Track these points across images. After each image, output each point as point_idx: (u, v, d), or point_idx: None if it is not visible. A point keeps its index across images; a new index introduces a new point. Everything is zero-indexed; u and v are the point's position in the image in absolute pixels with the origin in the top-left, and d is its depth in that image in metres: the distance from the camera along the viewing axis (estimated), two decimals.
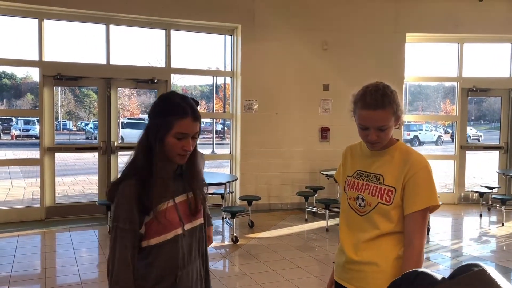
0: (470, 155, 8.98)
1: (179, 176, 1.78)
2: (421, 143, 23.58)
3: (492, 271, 0.79)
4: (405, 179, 1.82)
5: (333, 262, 2.13)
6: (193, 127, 1.67)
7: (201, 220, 1.83)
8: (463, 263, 0.85)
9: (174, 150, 1.66)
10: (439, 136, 25.20)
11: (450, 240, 6.36)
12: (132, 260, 1.61)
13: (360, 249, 1.89)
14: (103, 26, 7.07)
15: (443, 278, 0.83)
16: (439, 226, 6.91)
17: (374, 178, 1.90)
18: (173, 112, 1.65)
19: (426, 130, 24.79)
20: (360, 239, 1.90)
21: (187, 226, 1.74)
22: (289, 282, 4.45)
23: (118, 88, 7.44)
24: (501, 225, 6.96)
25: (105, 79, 7.13)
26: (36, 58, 6.78)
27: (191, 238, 1.76)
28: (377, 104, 1.78)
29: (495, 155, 9.01)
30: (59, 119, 23.56)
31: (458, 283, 0.77)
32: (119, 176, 1.70)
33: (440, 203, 1.87)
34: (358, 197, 1.92)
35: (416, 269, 0.87)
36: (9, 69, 25.02)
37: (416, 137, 23.72)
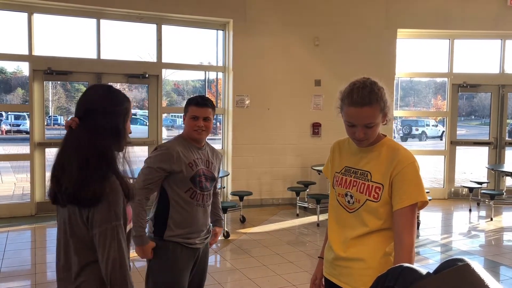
0: (460, 150, 9.05)
1: None
2: (428, 138, 24.22)
3: (476, 265, 0.80)
4: (392, 175, 1.81)
5: (319, 257, 2.14)
6: None
7: None
8: (448, 258, 0.86)
9: (128, 135, 1.74)
10: (443, 132, 25.81)
11: (440, 235, 6.42)
12: None
13: (348, 246, 1.89)
14: (94, 21, 7.02)
15: (428, 273, 0.84)
16: (429, 221, 6.97)
17: (362, 174, 1.89)
18: (126, 98, 1.76)
19: (432, 126, 25.43)
20: (348, 236, 1.89)
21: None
22: (280, 277, 4.47)
23: (109, 83, 7.38)
24: (489, 219, 7.03)
25: (95, 73, 7.08)
26: (26, 52, 6.71)
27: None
28: (364, 101, 1.76)
29: (484, 150, 9.09)
30: (50, 114, 23.36)
31: (442, 278, 0.78)
32: (85, 171, 1.57)
33: (429, 198, 1.86)
34: (347, 194, 1.91)
35: (401, 264, 0.88)
36: None
37: (423, 132, 24.39)
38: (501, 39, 8.67)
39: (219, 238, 5.76)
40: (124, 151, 1.70)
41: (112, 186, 1.58)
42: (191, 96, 2.76)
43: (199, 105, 2.57)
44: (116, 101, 1.72)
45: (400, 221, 1.79)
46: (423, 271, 0.84)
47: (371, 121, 1.78)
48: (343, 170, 1.96)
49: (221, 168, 2.84)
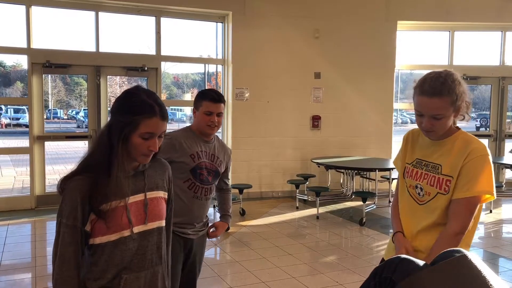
0: None
1: (141, 173, 1.68)
2: None
3: (473, 256, 0.80)
4: (462, 166, 1.79)
5: (397, 232, 2.01)
6: (161, 127, 1.59)
7: (160, 223, 1.71)
8: (446, 250, 0.86)
9: (139, 150, 1.58)
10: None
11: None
12: (75, 257, 1.54)
13: (417, 237, 1.90)
14: (92, 13, 6.98)
15: (425, 264, 0.84)
16: None
17: (433, 167, 1.88)
18: (140, 111, 1.55)
19: None
20: (417, 228, 1.91)
21: (139, 229, 1.63)
22: (280, 269, 4.48)
23: (108, 76, 7.37)
24: (489, 212, 7.04)
25: (94, 66, 7.06)
26: (24, 45, 6.69)
27: (144, 241, 1.65)
28: (435, 92, 1.76)
29: (484, 142, 9.07)
30: (50, 108, 23.35)
31: (439, 269, 0.78)
32: (72, 169, 1.62)
33: (495, 196, 1.80)
34: (417, 186, 1.92)
35: (399, 255, 0.88)
36: None
37: None
38: (502, 31, 8.64)
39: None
40: (112, 169, 1.56)
41: (72, 183, 1.56)
42: (203, 89, 2.70)
43: (215, 101, 2.54)
44: (124, 108, 1.60)
45: (454, 208, 1.79)
46: (420, 262, 0.84)
47: (439, 113, 1.77)
48: (414, 162, 1.96)
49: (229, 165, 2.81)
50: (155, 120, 1.57)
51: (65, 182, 1.58)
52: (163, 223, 1.73)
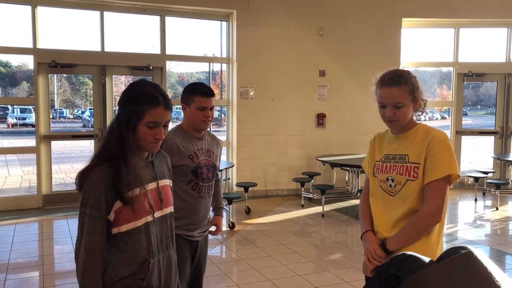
0: (465, 140, 9.01)
1: (150, 163, 1.78)
2: None
3: (478, 253, 0.80)
4: (426, 151, 1.93)
5: (367, 231, 2.09)
6: (165, 116, 1.68)
7: (171, 209, 1.84)
8: (452, 247, 0.87)
9: (146, 139, 1.66)
10: None
11: (445, 225, 6.40)
12: (100, 247, 1.60)
13: (393, 227, 1.98)
14: (97, 13, 7.01)
15: (431, 260, 0.84)
16: None
17: (400, 158, 2.01)
18: (145, 101, 1.65)
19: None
20: (392, 218, 1.99)
21: (157, 214, 1.75)
22: (285, 267, 4.49)
23: (114, 76, 7.40)
24: (495, 209, 7.02)
25: (100, 66, 7.09)
26: (30, 45, 6.72)
27: (161, 225, 1.77)
28: (393, 82, 1.95)
29: (490, 140, 9.04)
30: (56, 107, 23.44)
31: (445, 266, 0.79)
32: (88, 163, 1.67)
33: (459, 174, 1.93)
34: (388, 178, 2.01)
35: (404, 252, 0.88)
36: (4, 57, 24.79)
37: None
38: (507, 27, 8.59)
39: (224, 229, 5.81)
40: (128, 158, 1.64)
41: (93, 174, 1.61)
42: (190, 84, 2.64)
43: (207, 95, 2.51)
44: (129, 99, 1.69)
45: (426, 192, 1.91)
46: (426, 259, 0.85)
47: (399, 101, 1.95)
48: (383, 158, 2.08)
49: (226, 159, 2.81)
50: (159, 110, 1.66)
51: (86, 174, 1.63)
52: (172, 208, 1.85)
